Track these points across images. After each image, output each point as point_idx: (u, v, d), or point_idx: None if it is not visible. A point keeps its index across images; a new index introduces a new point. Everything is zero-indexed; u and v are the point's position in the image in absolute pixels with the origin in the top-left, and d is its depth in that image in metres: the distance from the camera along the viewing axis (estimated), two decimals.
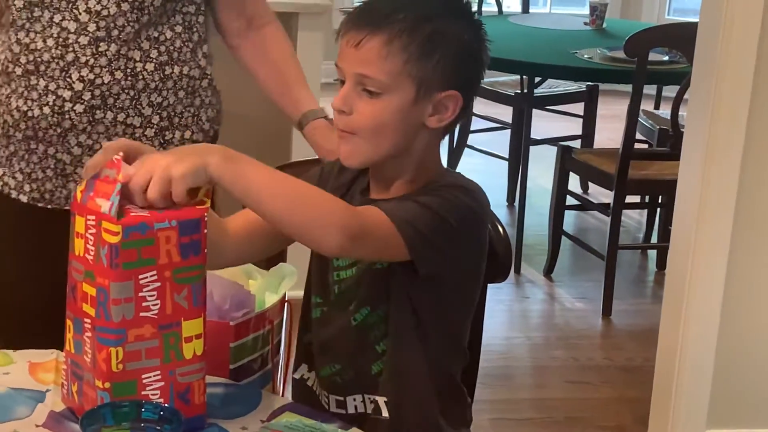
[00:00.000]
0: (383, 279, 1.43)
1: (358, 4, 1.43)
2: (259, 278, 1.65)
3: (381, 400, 1.47)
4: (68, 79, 1.71)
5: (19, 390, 1.38)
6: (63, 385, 1.34)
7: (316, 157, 1.84)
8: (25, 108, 1.73)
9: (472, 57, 1.43)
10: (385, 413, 1.47)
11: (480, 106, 4.88)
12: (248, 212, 1.47)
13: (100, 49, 1.71)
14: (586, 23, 4.73)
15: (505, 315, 3.71)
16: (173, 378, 1.28)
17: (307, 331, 1.55)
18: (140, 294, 1.24)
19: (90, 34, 1.70)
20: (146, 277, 1.23)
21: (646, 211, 4.41)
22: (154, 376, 1.27)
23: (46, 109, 1.72)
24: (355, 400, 1.48)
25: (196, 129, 1.85)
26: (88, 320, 1.26)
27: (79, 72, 1.71)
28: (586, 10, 4.89)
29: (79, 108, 1.72)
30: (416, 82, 1.37)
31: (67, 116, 1.72)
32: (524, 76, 4.43)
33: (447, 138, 5.02)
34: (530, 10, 5.53)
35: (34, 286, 1.83)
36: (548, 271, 4.04)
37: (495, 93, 4.67)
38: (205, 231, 1.26)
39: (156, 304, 1.25)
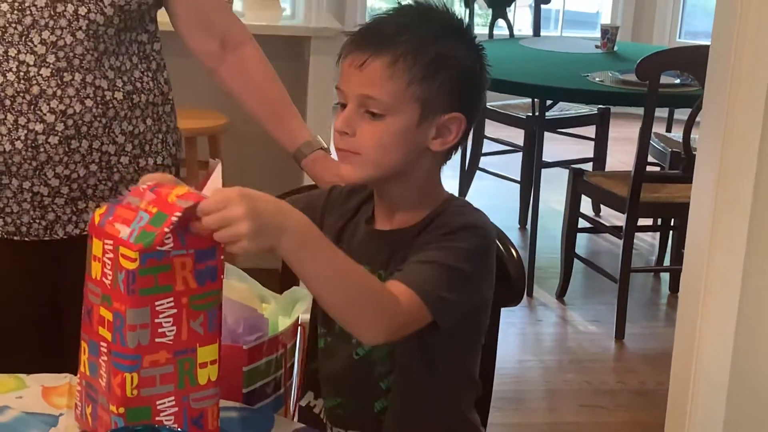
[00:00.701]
0: None
1: (359, 27, 1.42)
2: (272, 302, 1.65)
3: None
4: (38, 112, 1.68)
5: (33, 414, 1.38)
6: (77, 405, 1.34)
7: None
8: None
9: (475, 80, 1.42)
10: None
11: (492, 128, 4.89)
12: None
13: (64, 80, 1.68)
14: (597, 46, 4.74)
15: (518, 338, 3.70)
16: (187, 403, 1.27)
17: (314, 358, 1.54)
18: (156, 320, 1.23)
19: (51, 65, 1.67)
20: (163, 304, 1.23)
21: (658, 233, 4.41)
22: (168, 401, 1.26)
23: (18, 144, 1.69)
24: None
25: (165, 154, 1.86)
26: (105, 344, 1.25)
27: (49, 104, 1.68)
28: (598, 34, 4.91)
29: (53, 140, 1.69)
30: (420, 103, 1.37)
31: (41, 149, 1.69)
32: (536, 99, 4.45)
33: (459, 160, 4.97)
34: (541, 34, 5.55)
35: (14, 317, 1.81)
36: (561, 294, 4.03)
37: (507, 116, 4.68)
38: (222, 257, 1.26)
39: (172, 331, 1.24)
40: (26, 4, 1.65)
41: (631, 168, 3.64)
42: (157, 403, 1.25)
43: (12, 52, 1.66)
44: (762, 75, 2.49)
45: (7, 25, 1.66)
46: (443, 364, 1.44)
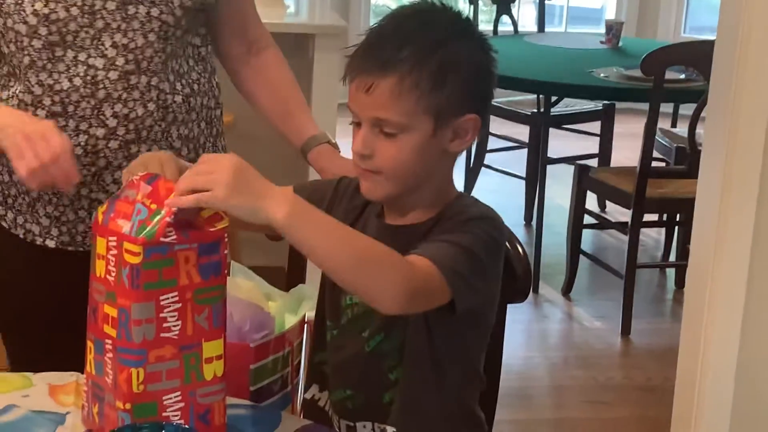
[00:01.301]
0: None
1: (360, 41, 1.40)
2: (278, 300, 1.65)
3: (390, 430, 1.45)
4: (101, 117, 1.65)
5: (40, 412, 1.39)
6: (83, 406, 1.35)
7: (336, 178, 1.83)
8: None
9: (483, 75, 1.42)
10: None
11: (496, 125, 4.89)
12: None
13: (131, 83, 1.66)
14: (602, 42, 4.73)
15: (524, 335, 3.70)
16: (194, 399, 1.28)
17: (320, 350, 1.54)
18: (161, 315, 1.24)
19: (119, 68, 1.65)
20: (167, 298, 1.24)
21: (664, 229, 4.40)
22: (175, 397, 1.27)
23: (78, 150, 1.65)
24: (365, 427, 1.46)
25: None
26: (110, 341, 1.26)
27: (113, 108, 1.65)
28: (602, 29, 4.90)
29: (113, 144, 1.67)
30: (432, 114, 1.36)
31: (101, 154, 1.67)
32: (541, 96, 4.44)
33: (464, 157, 4.97)
34: (546, 30, 5.54)
35: (63, 326, 1.71)
36: (566, 291, 4.03)
37: (512, 112, 4.68)
38: (225, 252, 1.26)
39: (177, 325, 1.25)
40: (96, 8, 1.62)
41: (637, 164, 3.64)
42: (164, 398, 1.26)
43: (82, 56, 1.64)
44: (767, 70, 2.49)
45: (79, 29, 1.63)
46: (450, 359, 1.44)
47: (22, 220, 1.75)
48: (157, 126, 1.70)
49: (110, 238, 1.25)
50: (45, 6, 1.60)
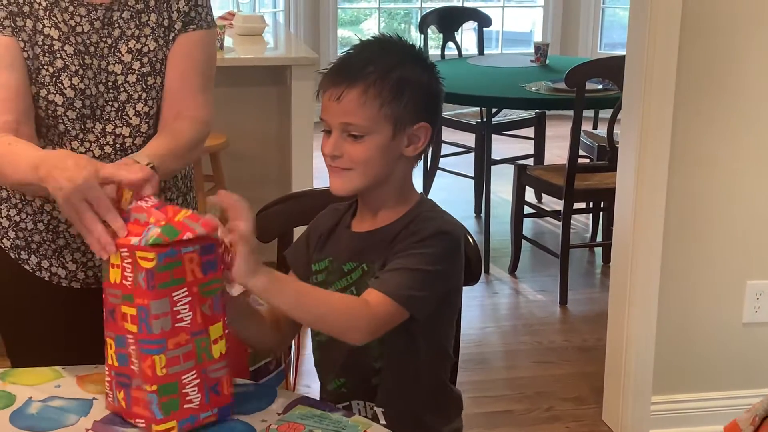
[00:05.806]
0: None
1: (331, 64, 1.42)
2: None
3: (379, 411, 1.45)
4: None
5: (69, 399, 1.36)
6: (107, 394, 1.32)
7: (314, 188, 1.79)
8: None
9: (432, 93, 1.43)
10: (382, 420, 1.44)
11: (447, 134, 4.89)
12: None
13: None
14: (532, 60, 4.74)
15: (479, 309, 3.70)
16: (206, 375, 1.27)
17: (316, 351, 1.52)
18: (174, 308, 1.23)
19: (143, 134, 1.58)
20: (179, 294, 1.23)
21: (591, 215, 4.42)
22: (191, 375, 1.26)
23: None
24: (359, 404, 1.45)
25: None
26: (131, 336, 1.24)
27: None
28: (532, 50, 4.91)
29: None
30: (391, 121, 1.37)
31: None
32: (483, 108, 4.44)
33: (422, 162, 4.97)
34: (485, 52, 5.54)
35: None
36: (512, 270, 4.04)
37: (460, 123, 4.68)
38: (220, 251, 1.25)
39: (188, 316, 1.24)
40: (119, 82, 1.56)
41: (566, 161, 3.65)
42: (183, 378, 1.25)
43: (109, 127, 1.56)
44: (670, 77, 2.50)
45: (105, 104, 1.56)
46: (424, 345, 1.44)
47: (47, 264, 1.62)
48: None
49: (122, 250, 1.23)
50: (81, 82, 1.53)
